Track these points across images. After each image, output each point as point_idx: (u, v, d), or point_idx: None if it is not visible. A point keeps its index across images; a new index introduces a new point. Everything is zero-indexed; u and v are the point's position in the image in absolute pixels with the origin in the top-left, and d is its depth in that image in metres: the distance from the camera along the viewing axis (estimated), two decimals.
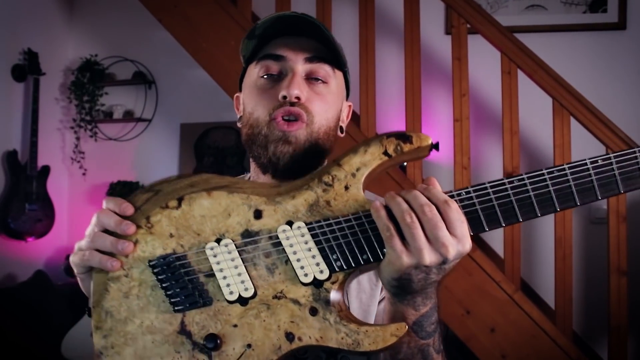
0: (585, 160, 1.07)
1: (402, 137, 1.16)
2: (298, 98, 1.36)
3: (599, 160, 1.07)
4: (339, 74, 1.48)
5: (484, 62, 4.01)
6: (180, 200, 1.17)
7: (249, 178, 1.55)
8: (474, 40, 3.74)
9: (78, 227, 5.79)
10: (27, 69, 5.31)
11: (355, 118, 3.91)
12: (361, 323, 1.08)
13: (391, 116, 4.53)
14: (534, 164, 4.28)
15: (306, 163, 1.36)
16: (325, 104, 1.41)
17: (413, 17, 3.75)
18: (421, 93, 3.72)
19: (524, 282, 3.87)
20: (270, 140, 1.36)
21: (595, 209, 4.22)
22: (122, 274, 1.14)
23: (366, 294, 1.44)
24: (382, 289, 1.44)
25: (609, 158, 1.07)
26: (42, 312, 4.53)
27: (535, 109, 3.93)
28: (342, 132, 1.52)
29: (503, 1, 4.56)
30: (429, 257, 1.02)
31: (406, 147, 1.15)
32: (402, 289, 1.10)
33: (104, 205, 1.20)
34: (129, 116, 5.73)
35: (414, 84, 3.70)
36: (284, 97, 1.35)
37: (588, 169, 1.07)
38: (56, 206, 5.49)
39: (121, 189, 5.41)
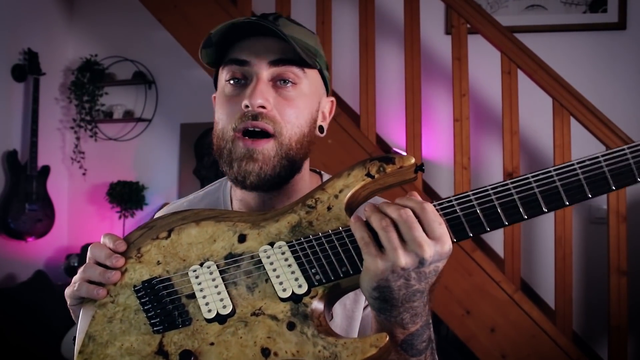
0: (572, 161, 1.06)
1: (385, 159, 1.17)
2: (263, 107, 1.30)
3: (586, 160, 1.06)
4: (313, 71, 1.40)
5: (484, 62, 4.02)
6: (170, 231, 1.21)
7: (230, 187, 1.53)
8: (474, 40, 3.74)
9: (78, 227, 5.81)
10: (27, 69, 5.32)
11: (355, 118, 3.92)
12: (339, 336, 1.07)
13: (391, 116, 4.53)
14: (534, 164, 4.28)
15: (278, 177, 1.32)
16: (295, 109, 1.35)
17: (413, 17, 3.76)
18: (421, 93, 3.72)
19: (524, 282, 3.87)
20: (234, 157, 1.32)
21: (596, 208, 4.22)
22: (108, 300, 1.16)
23: (350, 299, 1.40)
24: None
25: (597, 157, 1.06)
26: (42, 312, 4.54)
27: (536, 109, 3.93)
28: (322, 132, 1.45)
29: (503, 1, 4.56)
30: (404, 258, 1.00)
31: (389, 168, 1.15)
32: (383, 300, 1.06)
33: (101, 240, 1.24)
34: (129, 116, 5.74)
35: (414, 84, 3.71)
36: (247, 107, 1.30)
37: (575, 169, 1.06)
38: (56, 206, 5.50)
39: (121, 189, 5.42)
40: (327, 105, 1.49)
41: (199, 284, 1.13)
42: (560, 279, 3.42)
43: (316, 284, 1.09)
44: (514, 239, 3.48)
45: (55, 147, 5.80)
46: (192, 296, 1.13)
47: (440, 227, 1.02)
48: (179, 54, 4.44)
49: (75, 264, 5.13)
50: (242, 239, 1.16)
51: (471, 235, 1.07)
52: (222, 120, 1.36)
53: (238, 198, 1.47)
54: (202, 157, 5.49)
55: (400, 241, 1.01)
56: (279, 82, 1.34)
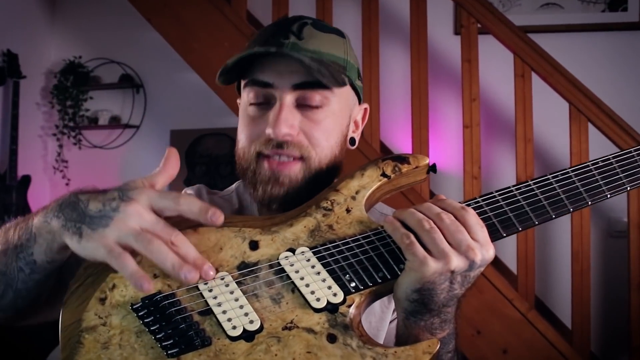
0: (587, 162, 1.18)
1: (399, 158, 1.19)
2: (288, 134, 1.29)
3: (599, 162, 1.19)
4: (341, 89, 1.36)
5: (496, 64, 4.02)
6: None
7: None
8: (485, 41, 3.76)
9: None
10: (6, 72, 5.29)
11: None
12: (385, 345, 1.04)
13: (396, 122, 4.54)
14: None
15: (305, 198, 1.27)
16: (324, 132, 1.34)
17: (420, 16, 3.77)
18: (428, 97, 3.74)
19: (538, 300, 3.87)
20: (259, 180, 1.32)
21: (615, 221, 4.22)
22: (98, 322, 1.03)
23: (376, 317, 1.42)
24: (393, 311, 1.43)
25: (609, 159, 1.20)
26: (23, 332, 4.53)
27: (551, 115, 3.94)
28: (352, 144, 1.45)
29: None
30: (456, 260, 1.02)
31: (404, 168, 1.18)
32: (422, 303, 1.07)
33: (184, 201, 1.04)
34: (115, 122, 5.73)
35: (420, 88, 3.72)
36: (270, 135, 1.29)
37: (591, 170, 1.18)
38: None
39: None
40: (360, 113, 1.50)
41: (215, 297, 1.05)
42: (577, 296, 3.42)
43: (353, 291, 1.07)
44: (528, 254, 3.48)
45: (37, 155, 5.79)
46: (207, 312, 1.04)
47: (483, 231, 1.06)
48: (169, 56, 4.44)
49: None
50: (254, 245, 1.13)
51: (504, 235, 1.13)
52: (243, 141, 1.36)
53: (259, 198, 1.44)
54: (194, 166, 5.49)
55: (449, 245, 1.03)
56: (305, 105, 1.33)
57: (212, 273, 1.03)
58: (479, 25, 3.69)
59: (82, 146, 5.76)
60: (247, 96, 1.36)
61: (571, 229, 3.45)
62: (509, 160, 4.19)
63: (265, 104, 1.33)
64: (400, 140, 4.50)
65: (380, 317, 1.42)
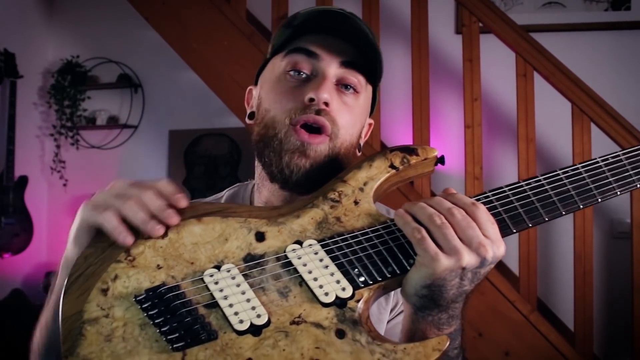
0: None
1: (407, 150, 1.18)
2: (327, 104, 1.31)
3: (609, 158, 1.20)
4: (369, 87, 1.43)
5: (498, 63, 4.03)
6: (166, 229, 1.11)
7: (253, 186, 1.53)
8: (487, 40, 3.76)
9: (58, 242, 5.78)
10: (3, 71, 5.29)
11: None
12: (395, 341, 1.04)
13: (397, 122, 4.54)
14: None
15: (320, 180, 1.29)
16: (352, 117, 1.37)
17: (421, 15, 3.77)
18: (429, 97, 3.74)
19: (540, 302, 3.87)
20: (285, 148, 1.32)
21: (618, 222, 4.22)
22: (100, 314, 1.00)
23: (373, 318, 1.38)
24: (391, 311, 1.44)
25: (618, 155, 1.21)
26: (18, 334, 4.52)
27: (553, 115, 3.93)
28: (359, 151, 1.47)
29: None
30: (468, 257, 1.02)
31: (413, 159, 1.18)
32: (431, 299, 1.08)
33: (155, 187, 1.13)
34: (113, 122, 5.73)
35: (421, 88, 3.72)
36: (311, 100, 1.30)
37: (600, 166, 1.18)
38: (35, 220, 5.49)
39: None
40: (367, 126, 1.52)
41: (221, 290, 1.03)
42: (580, 298, 3.42)
43: (362, 286, 1.07)
44: (530, 255, 3.48)
45: (34, 155, 5.80)
46: (212, 305, 1.02)
47: (494, 227, 1.06)
48: (168, 55, 4.44)
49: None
50: (260, 237, 1.12)
51: (515, 231, 1.12)
52: (276, 109, 1.36)
53: (263, 200, 1.46)
54: (192, 166, 5.49)
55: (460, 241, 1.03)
56: (341, 87, 1.36)
57: (174, 219, 1.09)
58: (480, 24, 3.69)
59: (80, 146, 5.76)
60: (285, 65, 1.38)
61: (574, 230, 3.45)
62: (511, 160, 4.18)
63: (305, 75, 1.36)
64: (401, 140, 4.50)
65: (378, 318, 1.42)
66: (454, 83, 4.42)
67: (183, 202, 1.11)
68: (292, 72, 1.36)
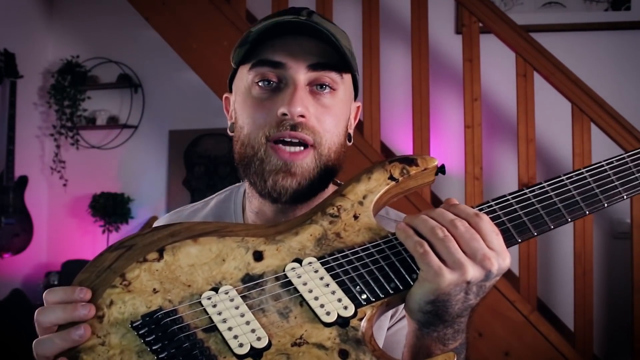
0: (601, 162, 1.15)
1: (407, 160, 1.16)
2: (302, 116, 1.26)
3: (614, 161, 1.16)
4: (348, 76, 1.37)
5: (498, 63, 4.03)
6: (161, 251, 1.07)
7: (244, 193, 1.50)
8: (487, 40, 3.76)
9: (58, 243, 5.80)
10: (3, 72, 5.30)
11: (358, 125, 3.92)
12: None
13: (397, 122, 4.54)
14: (552, 174, 4.27)
15: (315, 190, 1.29)
16: (334, 118, 1.32)
17: (421, 15, 3.77)
18: (429, 97, 3.74)
19: (540, 302, 3.87)
20: (268, 169, 1.28)
21: (618, 222, 4.22)
22: (96, 342, 0.97)
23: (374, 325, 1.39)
24: (390, 318, 1.40)
25: (623, 158, 1.16)
26: (19, 334, 4.53)
27: (553, 115, 3.94)
28: (349, 141, 1.42)
29: None
30: (473, 270, 0.98)
31: (412, 170, 1.16)
32: (436, 314, 1.04)
33: (47, 298, 1.02)
34: (113, 122, 5.74)
35: (421, 88, 3.72)
36: (284, 115, 1.25)
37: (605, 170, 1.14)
38: (35, 220, 5.50)
39: (105, 201, 5.42)
40: (354, 110, 1.47)
41: (219, 313, 1.00)
42: (580, 298, 3.43)
43: (364, 303, 1.03)
44: (530, 255, 3.48)
45: (34, 155, 5.80)
46: (211, 329, 0.99)
47: (498, 239, 1.02)
48: (168, 55, 4.45)
49: (55, 282, 5.12)
50: (258, 256, 1.08)
51: (520, 241, 1.09)
52: (250, 126, 1.32)
53: (254, 210, 1.42)
54: (192, 166, 5.50)
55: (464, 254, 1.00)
56: (315, 87, 1.31)
57: (92, 311, 0.98)
58: (480, 25, 3.69)
59: (80, 146, 5.77)
60: (252, 78, 1.32)
61: (574, 231, 3.45)
62: (511, 160, 4.19)
63: (275, 86, 1.30)
64: (401, 141, 4.50)
65: (378, 326, 1.36)
66: (454, 83, 4.42)
67: (86, 293, 1.01)
68: (260, 83, 1.31)
